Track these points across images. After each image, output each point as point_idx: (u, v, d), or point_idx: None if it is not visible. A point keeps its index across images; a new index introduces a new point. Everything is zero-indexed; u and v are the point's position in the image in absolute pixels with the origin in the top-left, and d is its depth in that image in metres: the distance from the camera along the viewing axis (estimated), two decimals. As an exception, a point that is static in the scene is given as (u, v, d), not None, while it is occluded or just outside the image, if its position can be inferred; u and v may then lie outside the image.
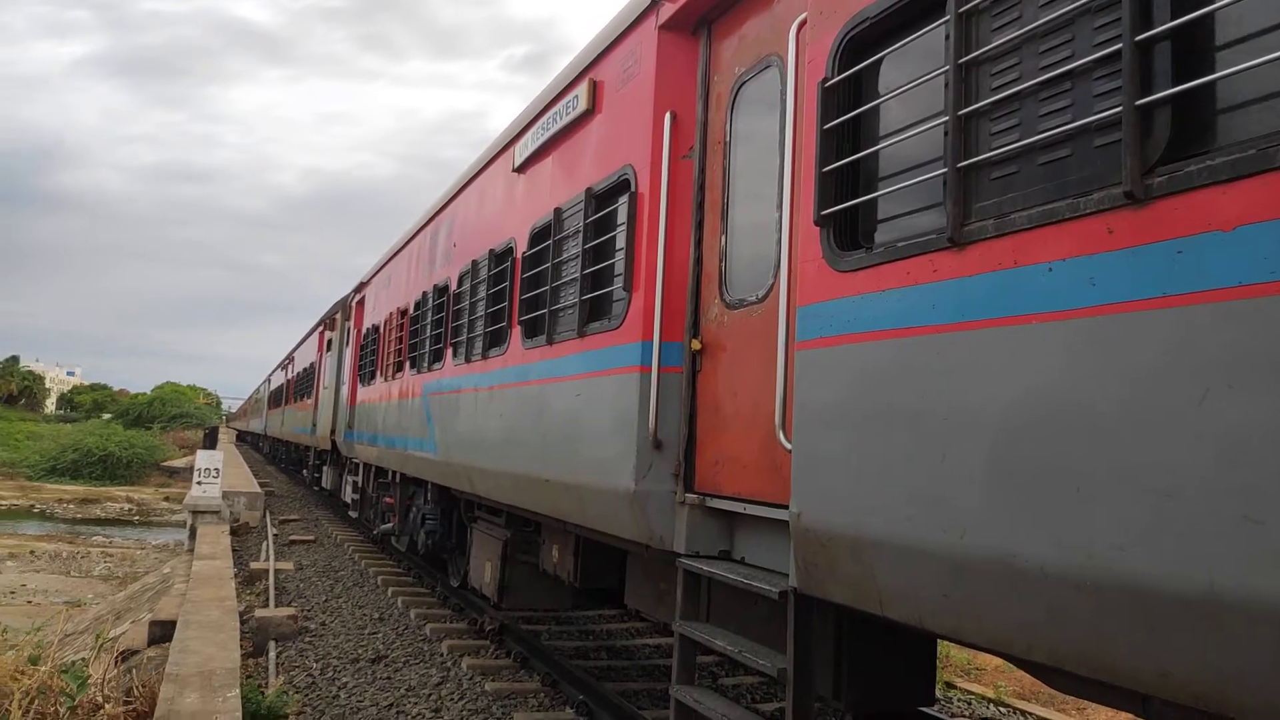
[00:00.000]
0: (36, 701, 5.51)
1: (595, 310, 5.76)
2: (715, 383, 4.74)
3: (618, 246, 5.45)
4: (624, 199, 5.41)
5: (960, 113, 3.13)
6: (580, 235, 5.94)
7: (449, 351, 9.19)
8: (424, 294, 10.67)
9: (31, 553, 28.43)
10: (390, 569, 13.33)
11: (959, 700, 7.76)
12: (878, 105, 3.55)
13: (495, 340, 7.75)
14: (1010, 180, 2.99)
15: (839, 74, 3.68)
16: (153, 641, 8.68)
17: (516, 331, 7.08)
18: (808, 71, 3.90)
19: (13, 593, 21.71)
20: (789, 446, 3.92)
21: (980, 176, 3.09)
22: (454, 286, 9.27)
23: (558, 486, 5.99)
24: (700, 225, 4.96)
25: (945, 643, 8.93)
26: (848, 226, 3.64)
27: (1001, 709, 7.55)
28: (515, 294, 7.19)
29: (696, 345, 4.86)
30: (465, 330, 8.62)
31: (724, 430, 4.61)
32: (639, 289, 5.12)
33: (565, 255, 6.27)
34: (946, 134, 3.17)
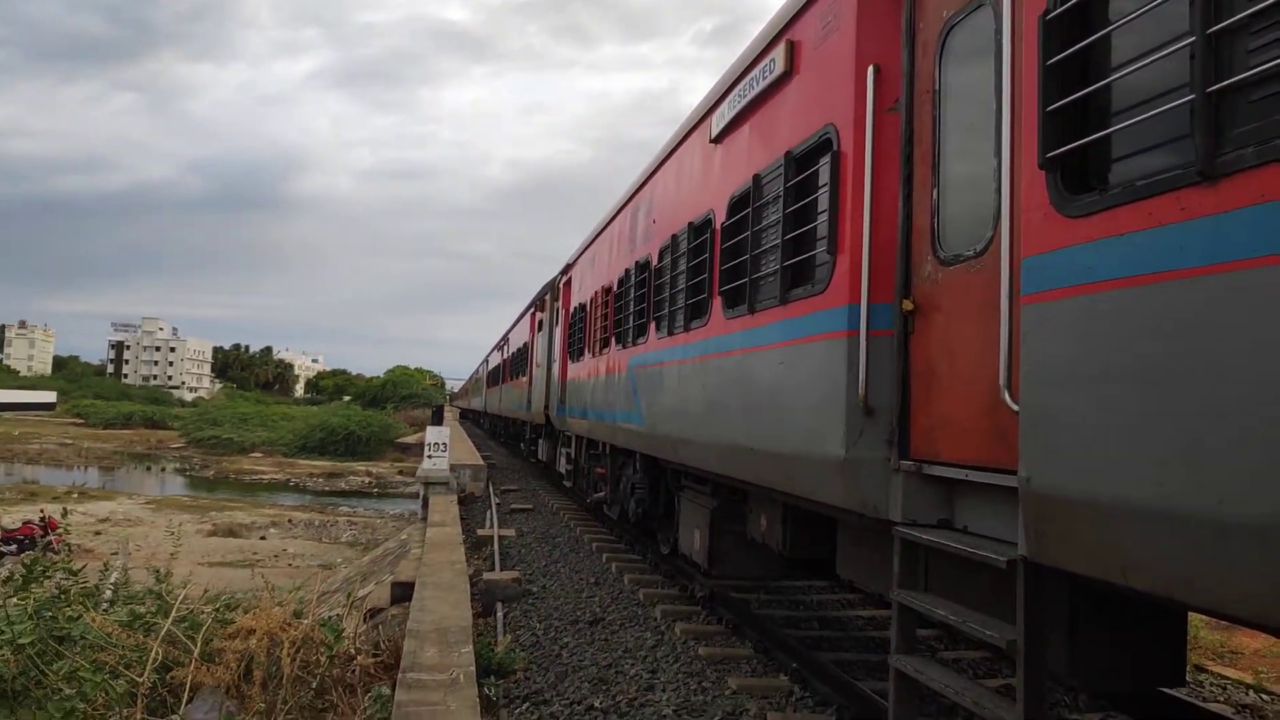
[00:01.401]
0: (302, 650, 6.09)
1: (798, 276, 5.66)
2: (929, 344, 4.54)
3: (820, 209, 5.32)
4: (825, 159, 5.26)
5: (1210, 30, 2.78)
6: (780, 200, 5.84)
7: (652, 326, 9.30)
8: (626, 271, 10.85)
9: (290, 521, 31.68)
10: (603, 536, 13.74)
11: (1211, 685, 7.06)
12: (1108, 34, 3.22)
13: (696, 312, 7.76)
14: (1274, 101, 2.64)
15: (1063, 4, 3.37)
16: (394, 601, 9.39)
17: (717, 303, 7.07)
18: (1026, 6, 3.61)
19: (276, 556, 24.25)
20: (1016, 408, 3.68)
21: (1235, 101, 2.74)
22: (654, 262, 9.36)
23: (764, 455, 5.96)
24: (909, 180, 4.74)
25: (1194, 624, 8.15)
26: (1077, 169, 3.34)
27: (1264, 696, 6.78)
28: (715, 265, 7.17)
29: (908, 306, 4.66)
30: (667, 304, 8.69)
31: (940, 394, 4.41)
32: (844, 251, 4.98)
33: (765, 222, 6.19)
34: (1193, 56, 2.83)
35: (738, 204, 6.77)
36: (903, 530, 4.44)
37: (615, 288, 11.56)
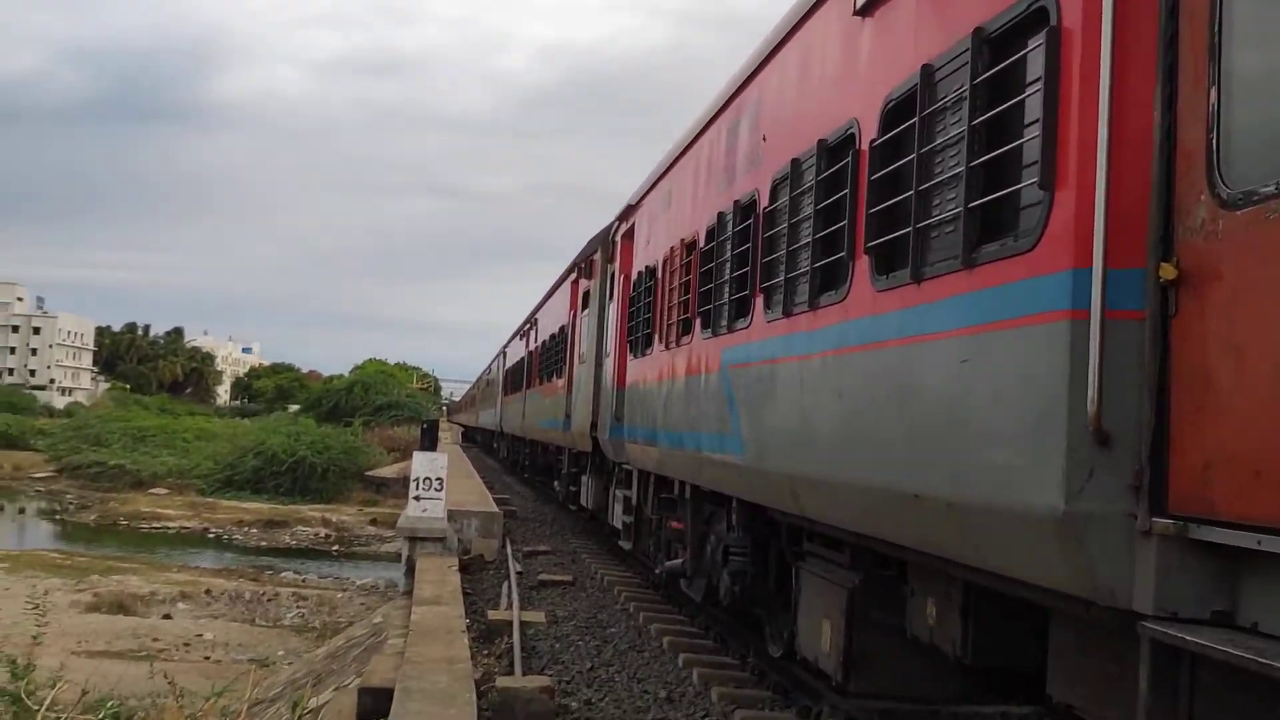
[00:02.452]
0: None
1: (991, 224, 5.63)
2: (1204, 332, 4.49)
3: (1028, 118, 5.28)
4: (1037, 40, 5.22)
5: None
6: (965, 105, 5.76)
7: (758, 301, 9.34)
8: (719, 216, 10.87)
9: (207, 592, 32.39)
10: (680, 626, 13.75)
11: None
12: None
13: (828, 280, 7.78)
14: None
15: None
16: (363, 716, 9.52)
17: (861, 265, 7.07)
18: None
19: (187, 644, 24.83)
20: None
21: None
22: (764, 201, 9.38)
23: (933, 506, 5.97)
24: (1171, 75, 4.68)
25: None
26: None
27: None
28: (860, 205, 7.17)
29: (1169, 273, 4.61)
30: (782, 267, 8.72)
31: (1222, 412, 4.36)
32: (1066, 183, 4.93)
33: (939, 139, 6.14)
34: None
35: (896, 111, 6.74)
36: (1156, 628, 4.39)
37: (702, 241, 11.59)
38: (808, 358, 7.99)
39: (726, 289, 10.38)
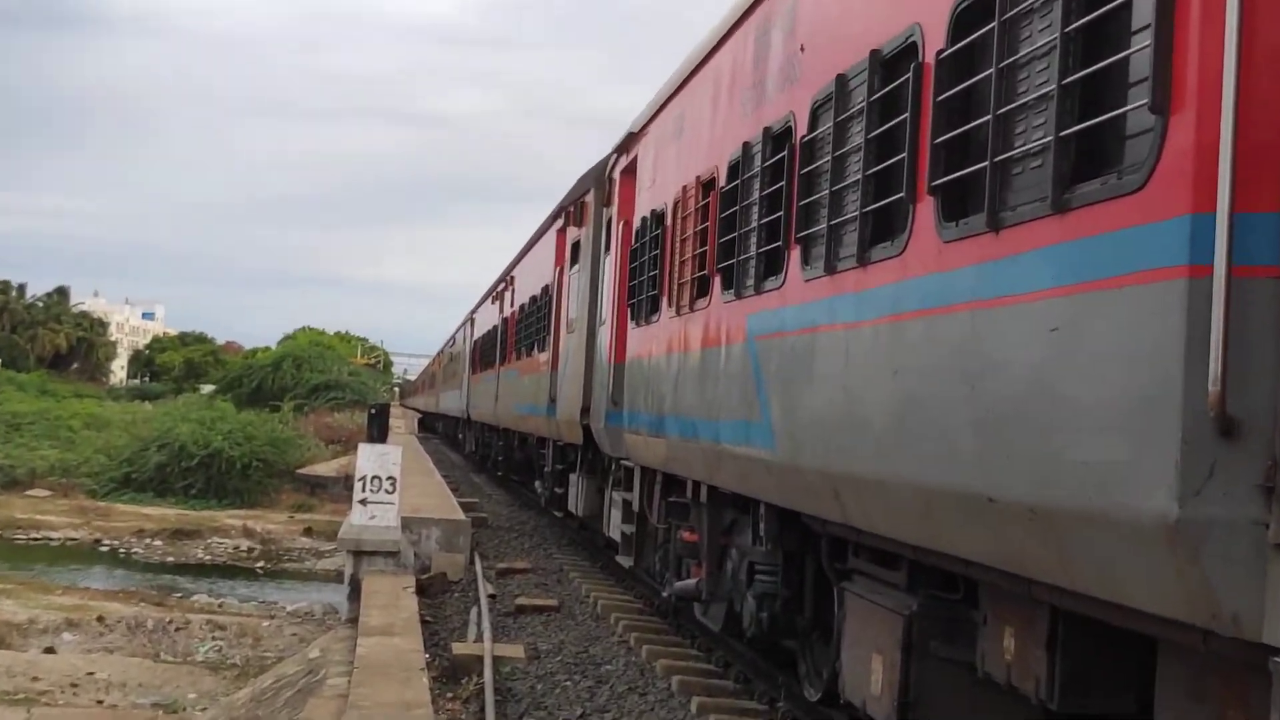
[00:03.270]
0: None
1: (1088, 157, 5.63)
2: None
3: (1136, 23, 5.27)
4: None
5: None
6: (1057, 5, 5.74)
7: (793, 255, 9.35)
8: (744, 147, 10.87)
9: (100, 619, 32.39)
10: (692, 662, 13.79)
11: None
12: None
13: (882, 227, 7.80)
14: None
15: None
16: (295, 775, 9.57)
17: (924, 210, 7.08)
18: None
19: (75, 685, 24.84)
20: None
21: None
22: (801, 128, 9.38)
23: (1011, 512, 6.00)
24: None
25: None
26: None
27: None
28: (922, 133, 7.17)
29: None
30: (824, 211, 8.73)
31: None
32: (1183, 106, 4.93)
33: (1024, 50, 6.15)
34: None
35: (970, 13, 6.73)
36: (1292, 665, 4.39)
37: (722, 179, 11.58)
38: (855, 326, 7.99)
39: (754, 239, 10.37)
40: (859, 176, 8.08)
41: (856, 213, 8.06)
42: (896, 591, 8.41)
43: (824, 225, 8.68)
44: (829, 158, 8.70)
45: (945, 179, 6.82)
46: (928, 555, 7.51)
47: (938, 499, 6.82)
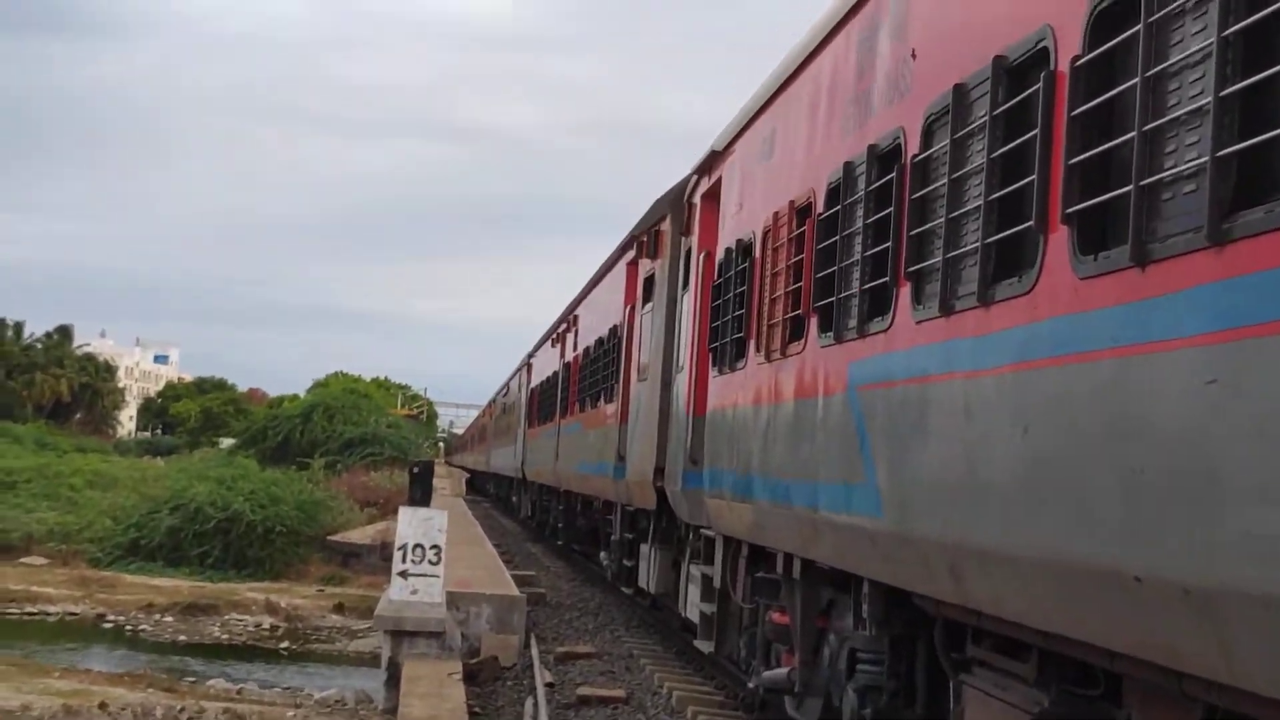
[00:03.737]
0: None
1: (1252, 181, 5.56)
2: None
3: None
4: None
5: None
6: (1213, 9, 5.69)
7: (902, 293, 9.33)
8: (846, 168, 10.85)
9: (102, 706, 32.50)
10: (783, 766, 13.67)
11: None
12: None
13: (1008, 261, 7.76)
14: None
15: None
16: None
17: (1058, 240, 7.04)
18: None
19: (74, 784, 24.94)
20: None
21: None
22: (912, 146, 9.37)
23: (1162, 593, 5.95)
24: None
25: None
26: None
27: None
28: (1055, 152, 7.12)
29: None
30: (938, 242, 8.69)
31: None
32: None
33: (1174, 56, 6.08)
34: None
35: (1110, 14, 6.68)
36: None
37: (820, 205, 11.58)
38: (976, 375, 7.94)
39: (856, 274, 10.33)
40: (980, 203, 8.02)
41: (977, 244, 8.00)
42: (1024, 686, 8.31)
43: (939, 258, 8.63)
44: (945, 180, 8.64)
45: (1082, 205, 6.76)
46: (1062, 643, 7.41)
47: (1073, 577, 6.73)
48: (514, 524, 56.11)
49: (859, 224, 10.37)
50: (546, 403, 39.33)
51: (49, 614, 53.20)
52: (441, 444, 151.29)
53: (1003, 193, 7.78)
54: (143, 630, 50.45)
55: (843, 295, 10.66)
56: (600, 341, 27.93)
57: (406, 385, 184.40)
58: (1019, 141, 7.62)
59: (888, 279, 9.62)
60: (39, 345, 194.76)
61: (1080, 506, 6.65)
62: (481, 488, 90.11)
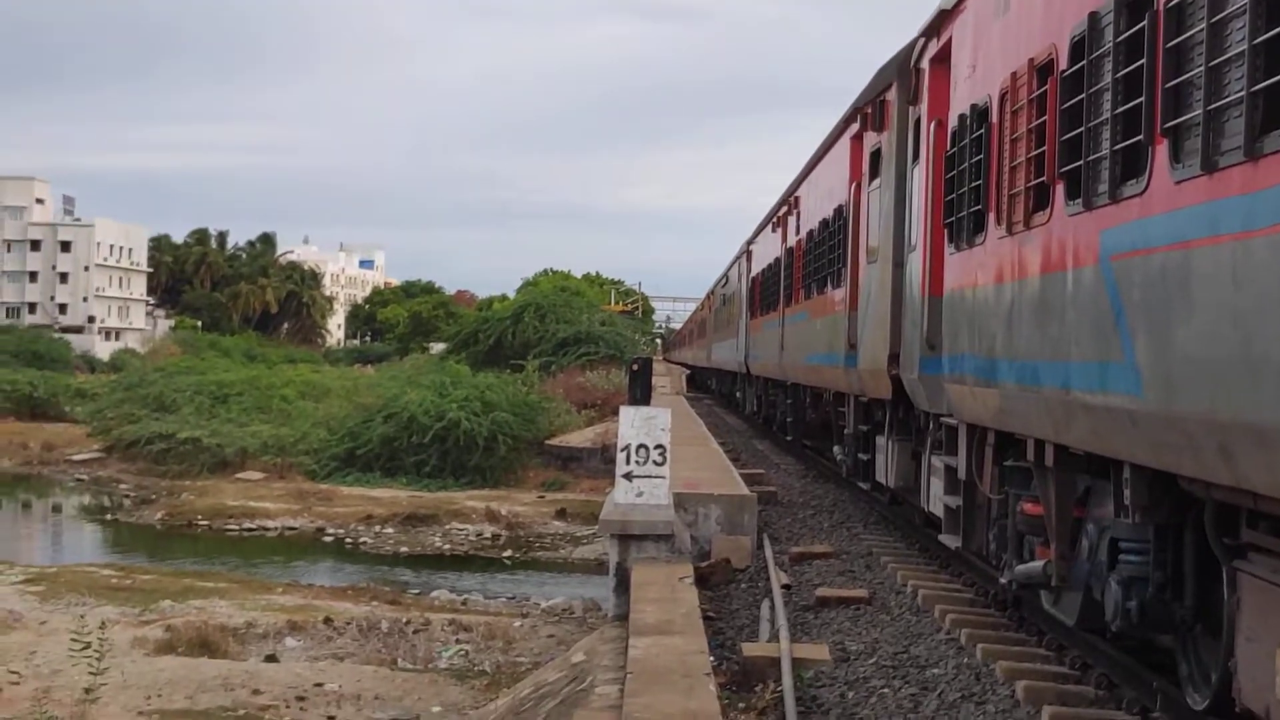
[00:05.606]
0: None
1: None
2: None
3: None
4: None
5: None
6: None
7: (1159, 151, 9.12)
8: (1091, 18, 10.59)
9: (327, 621, 33.39)
10: (1040, 664, 13.55)
11: None
12: None
13: (1277, 110, 7.51)
14: None
15: None
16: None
17: None
18: None
19: (302, 699, 25.61)
20: None
21: None
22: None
23: None
24: None
25: None
26: None
27: None
28: None
29: None
30: (1197, 93, 8.45)
31: None
32: None
33: None
34: None
35: None
36: None
37: (1063, 61, 11.33)
38: (1247, 236, 7.70)
39: (1106, 134, 10.10)
40: (1244, 47, 7.75)
41: (1243, 92, 7.73)
42: (1308, 571, 8.13)
43: (1199, 110, 8.39)
44: (1204, 25, 8.36)
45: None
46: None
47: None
48: (739, 420, 56.20)
49: (1108, 79, 10.11)
50: (769, 292, 39.24)
51: (268, 529, 54.71)
52: (659, 340, 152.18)
53: (1272, 34, 7.49)
54: (363, 543, 51.68)
55: (1091, 158, 10.43)
56: (825, 223, 27.71)
57: (620, 280, 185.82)
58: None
59: (1142, 137, 9.39)
60: (243, 255, 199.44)
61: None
62: (703, 384, 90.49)
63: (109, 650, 19.92)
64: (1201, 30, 8.43)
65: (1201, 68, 8.40)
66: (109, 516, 59.89)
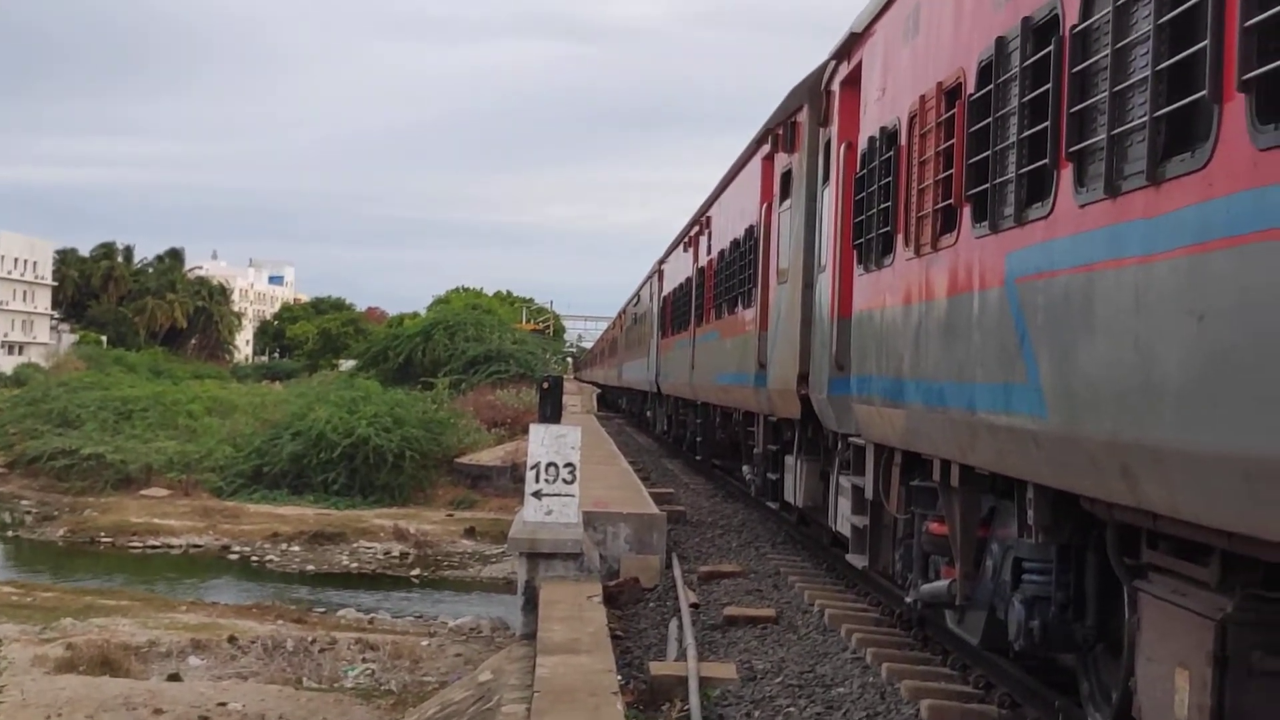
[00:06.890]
0: None
1: None
2: None
3: None
4: None
5: None
6: None
7: (1063, 175, 9.22)
8: (998, 43, 10.71)
9: (231, 639, 33.19)
10: (945, 684, 13.64)
11: None
12: None
13: (1180, 132, 7.59)
14: None
15: None
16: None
17: (1233, 110, 6.85)
18: None
19: (204, 718, 25.45)
20: None
21: None
22: (1071, 15, 9.17)
23: None
24: None
25: None
26: None
27: None
28: (1229, 12, 6.89)
29: None
30: (1101, 119, 8.53)
31: None
32: None
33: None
34: None
35: None
36: None
37: (970, 85, 11.43)
38: (1149, 260, 7.79)
39: (1012, 156, 10.19)
40: (1147, 73, 7.85)
41: (1146, 117, 7.84)
42: (1206, 591, 8.23)
43: (1103, 136, 8.48)
44: (1108, 51, 8.46)
45: (1261, 70, 6.57)
46: (1247, 545, 7.30)
47: (1262, 471, 6.57)
48: (649, 440, 56.29)
49: (1014, 103, 10.21)
50: (680, 311, 39.30)
51: (172, 547, 54.30)
52: (570, 359, 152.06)
53: (1174, 59, 7.58)
54: (269, 561, 51.38)
55: (997, 181, 10.53)
56: (736, 244, 27.80)
57: (531, 298, 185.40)
58: (1190, 2, 7.42)
59: (1047, 160, 9.49)
60: (150, 269, 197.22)
61: (1264, 398, 6.50)
62: (613, 403, 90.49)
63: (8, 668, 19.76)
64: (1106, 56, 8.53)
65: (1106, 93, 8.51)
66: (9, 533, 59.30)
